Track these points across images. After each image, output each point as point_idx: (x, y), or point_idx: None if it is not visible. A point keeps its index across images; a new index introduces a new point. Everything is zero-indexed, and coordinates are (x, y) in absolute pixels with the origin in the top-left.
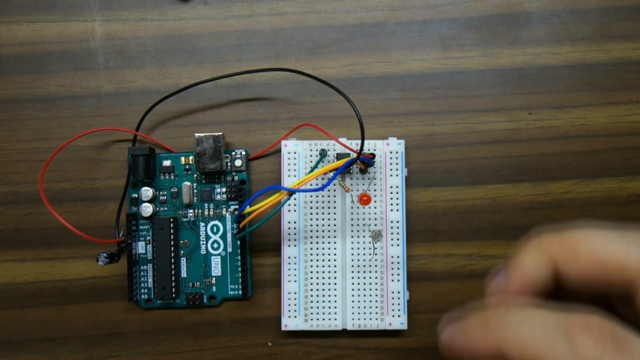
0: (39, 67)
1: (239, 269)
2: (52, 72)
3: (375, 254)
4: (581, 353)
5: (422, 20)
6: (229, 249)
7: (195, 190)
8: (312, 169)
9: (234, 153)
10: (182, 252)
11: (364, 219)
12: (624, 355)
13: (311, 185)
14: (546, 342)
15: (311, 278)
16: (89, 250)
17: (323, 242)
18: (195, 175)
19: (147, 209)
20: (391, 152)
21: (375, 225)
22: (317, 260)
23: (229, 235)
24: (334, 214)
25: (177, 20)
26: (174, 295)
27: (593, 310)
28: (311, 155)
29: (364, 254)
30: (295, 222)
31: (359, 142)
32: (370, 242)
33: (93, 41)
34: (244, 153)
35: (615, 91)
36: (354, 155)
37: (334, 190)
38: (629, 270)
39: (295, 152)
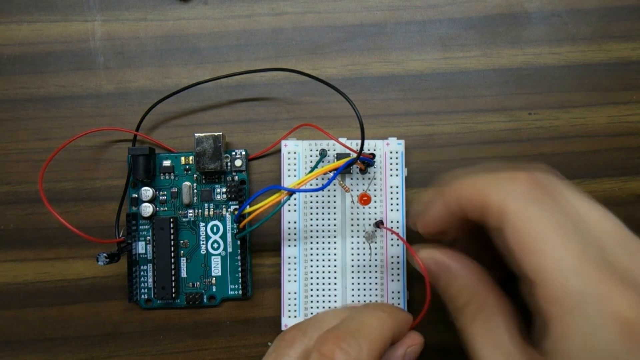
0: (39, 67)
1: (239, 269)
2: (52, 72)
3: (375, 254)
4: (516, 189)
5: (422, 20)
6: (229, 249)
7: (195, 190)
8: (312, 169)
9: (234, 153)
10: (182, 252)
11: (364, 219)
12: (547, 200)
13: (311, 185)
14: (494, 183)
15: (311, 278)
16: (89, 250)
17: (323, 242)
18: (195, 175)
19: (147, 209)
20: (391, 152)
21: (375, 223)
22: (317, 260)
23: (229, 235)
24: (334, 214)
25: (177, 20)
26: (174, 295)
27: (539, 168)
28: (311, 155)
29: (364, 254)
30: (295, 222)
31: (359, 142)
32: (364, 242)
33: (93, 41)
34: (244, 153)
35: (615, 91)
36: (354, 155)
37: (334, 190)
38: (491, 207)
39: (295, 152)
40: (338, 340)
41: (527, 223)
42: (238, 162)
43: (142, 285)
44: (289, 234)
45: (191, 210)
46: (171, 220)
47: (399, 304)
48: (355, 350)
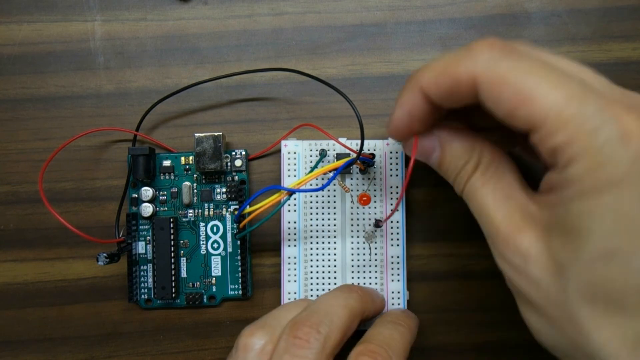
0: (39, 67)
1: (239, 269)
2: (52, 72)
3: (375, 254)
4: (483, 55)
5: (422, 20)
6: (229, 249)
7: (195, 190)
8: (312, 169)
9: (234, 153)
10: (182, 252)
11: (363, 219)
12: (516, 54)
13: (311, 185)
14: (457, 58)
15: (311, 278)
16: (89, 250)
17: (323, 242)
18: (195, 175)
19: (147, 209)
20: (391, 152)
21: (375, 223)
22: (317, 260)
23: (229, 235)
24: (334, 214)
25: (177, 20)
26: (174, 295)
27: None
28: (311, 155)
29: (364, 254)
30: (295, 222)
31: (359, 142)
32: (364, 242)
33: (93, 41)
34: (244, 153)
35: None
36: (354, 155)
37: (334, 190)
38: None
39: (295, 152)
40: (314, 325)
41: (502, 79)
42: (238, 162)
43: (142, 285)
44: (289, 234)
45: (191, 210)
46: (171, 220)
47: (399, 304)
48: (326, 330)
